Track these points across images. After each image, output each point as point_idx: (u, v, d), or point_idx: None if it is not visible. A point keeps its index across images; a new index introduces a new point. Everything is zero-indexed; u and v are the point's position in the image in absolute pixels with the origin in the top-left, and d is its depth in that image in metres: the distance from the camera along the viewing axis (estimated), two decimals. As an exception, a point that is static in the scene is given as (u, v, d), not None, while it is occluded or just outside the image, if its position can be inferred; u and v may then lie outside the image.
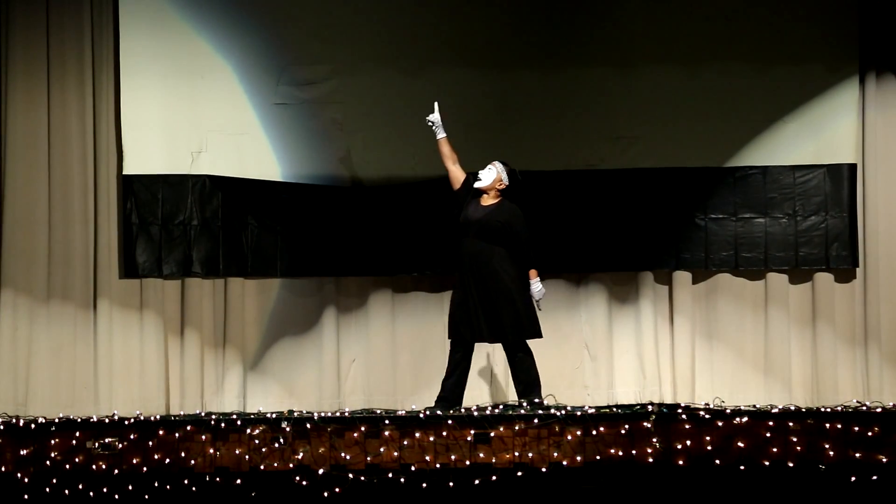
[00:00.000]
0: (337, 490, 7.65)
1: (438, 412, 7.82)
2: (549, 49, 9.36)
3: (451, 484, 7.61)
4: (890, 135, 9.48)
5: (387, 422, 7.72)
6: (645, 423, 7.65)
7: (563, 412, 7.71)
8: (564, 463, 7.64)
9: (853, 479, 7.61)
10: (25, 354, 9.32)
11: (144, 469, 7.70)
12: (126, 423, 7.81)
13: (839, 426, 7.63)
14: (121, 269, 9.31)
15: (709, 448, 7.63)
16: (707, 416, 7.68)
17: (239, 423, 7.74)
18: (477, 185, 8.28)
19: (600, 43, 9.37)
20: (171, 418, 8.11)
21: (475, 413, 7.75)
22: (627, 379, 9.47)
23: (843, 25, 9.34)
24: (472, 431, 7.66)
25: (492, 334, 8.17)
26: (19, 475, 7.74)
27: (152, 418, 7.97)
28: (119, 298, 9.36)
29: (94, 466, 7.72)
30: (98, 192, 9.40)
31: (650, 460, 7.63)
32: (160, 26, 9.24)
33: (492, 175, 8.28)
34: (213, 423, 7.75)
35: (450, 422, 7.65)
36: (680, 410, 7.82)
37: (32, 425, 7.82)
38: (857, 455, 7.61)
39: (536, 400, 8.06)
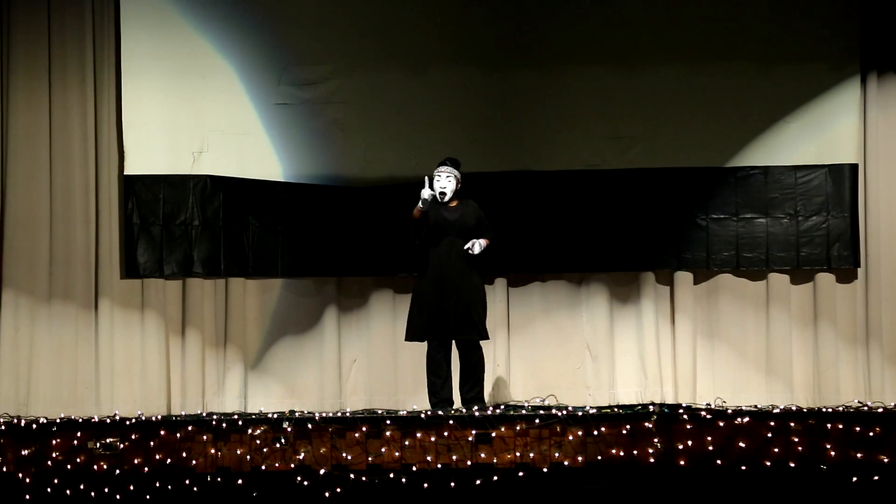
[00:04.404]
0: (338, 490, 7.64)
1: (440, 412, 7.83)
2: (550, 48, 9.35)
3: (452, 484, 7.61)
4: (891, 135, 9.46)
5: (388, 422, 7.72)
6: (646, 424, 7.65)
7: (565, 412, 7.71)
8: (566, 463, 7.64)
9: (855, 479, 7.60)
10: (27, 354, 9.31)
11: (146, 469, 7.71)
12: (127, 423, 7.81)
13: (841, 426, 7.63)
14: (122, 269, 9.30)
15: (710, 448, 7.62)
16: (708, 417, 7.68)
17: (240, 423, 7.74)
18: (445, 199, 8.34)
19: (602, 42, 9.36)
20: (172, 418, 8.12)
21: (476, 413, 7.75)
22: (629, 379, 9.46)
23: (845, 25, 9.33)
24: (474, 431, 7.65)
25: (460, 331, 8.28)
26: (21, 475, 7.74)
27: (153, 418, 7.97)
28: (120, 298, 9.35)
29: (95, 467, 7.72)
30: (99, 192, 9.40)
31: (651, 461, 7.62)
32: (161, 26, 9.24)
33: (452, 184, 8.37)
34: (214, 423, 7.75)
35: (451, 422, 7.65)
36: (681, 411, 7.82)
37: (34, 425, 7.82)
38: (859, 455, 7.61)
39: (480, 395, 8.32)
